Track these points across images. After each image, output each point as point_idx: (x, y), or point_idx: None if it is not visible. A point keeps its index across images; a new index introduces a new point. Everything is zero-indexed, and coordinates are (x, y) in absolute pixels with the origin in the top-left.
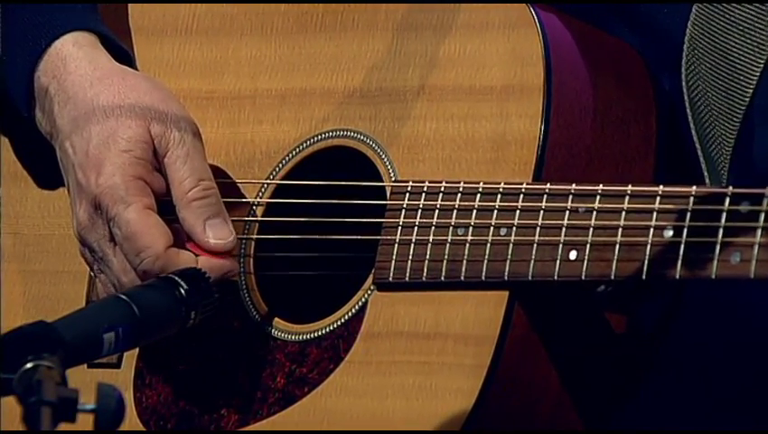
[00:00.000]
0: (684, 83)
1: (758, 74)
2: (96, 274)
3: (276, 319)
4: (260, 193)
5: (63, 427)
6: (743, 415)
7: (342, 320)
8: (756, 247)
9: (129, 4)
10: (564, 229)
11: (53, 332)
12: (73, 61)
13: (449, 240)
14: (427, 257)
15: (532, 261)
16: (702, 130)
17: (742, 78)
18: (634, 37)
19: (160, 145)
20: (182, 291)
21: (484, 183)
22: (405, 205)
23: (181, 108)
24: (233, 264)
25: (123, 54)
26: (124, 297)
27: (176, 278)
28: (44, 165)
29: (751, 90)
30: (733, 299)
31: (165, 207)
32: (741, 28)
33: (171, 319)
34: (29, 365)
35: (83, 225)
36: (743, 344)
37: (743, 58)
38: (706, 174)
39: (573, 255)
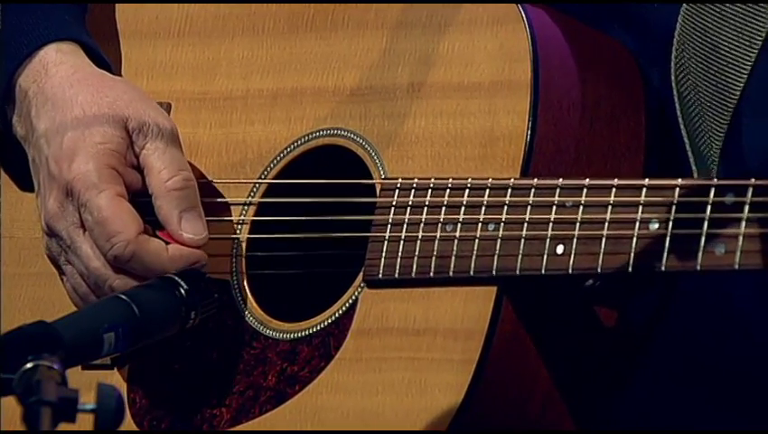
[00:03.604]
0: (673, 78)
1: (748, 69)
2: (62, 266)
3: (268, 318)
4: (252, 193)
5: (63, 427)
6: (733, 410)
7: (333, 318)
8: (741, 238)
9: (122, 8)
10: (551, 223)
11: (53, 332)
12: (54, 66)
13: (438, 237)
14: (416, 253)
15: (520, 256)
16: (691, 126)
17: (732, 72)
18: (624, 33)
19: (138, 138)
20: (182, 291)
21: (472, 179)
22: (394, 202)
23: (158, 108)
24: (201, 254)
25: (104, 65)
26: (124, 296)
27: (176, 278)
28: (21, 169)
29: (741, 85)
30: (723, 294)
31: (137, 205)
32: (732, 22)
33: (171, 319)
34: (29, 365)
35: (52, 213)
36: (733, 340)
37: (733, 52)
38: (694, 168)
39: (560, 249)
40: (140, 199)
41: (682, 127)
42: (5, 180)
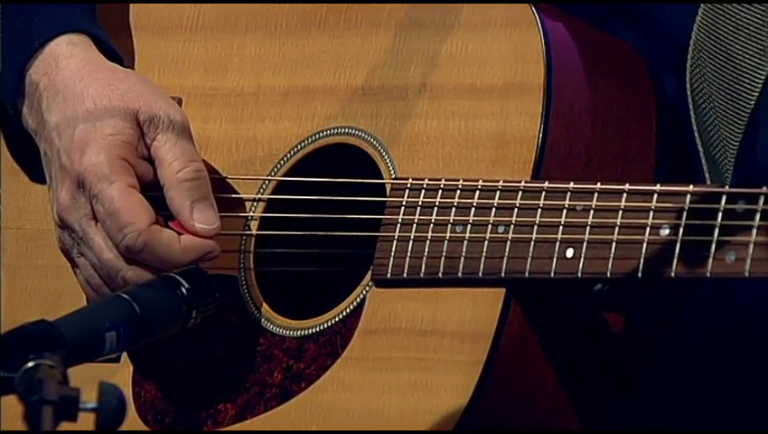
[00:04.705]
0: (688, 86)
1: (764, 77)
2: (75, 258)
3: (275, 315)
4: (261, 190)
5: (64, 426)
6: (740, 415)
7: (340, 316)
8: (752, 246)
9: (133, 3)
10: (561, 227)
11: (55, 331)
12: (65, 58)
13: (447, 238)
14: (425, 254)
15: (529, 259)
16: (705, 133)
17: (747, 81)
18: (638, 38)
19: (149, 129)
20: (184, 290)
21: (483, 181)
22: (404, 202)
23: (169, 101)
24: (214, 245)
25: (116, 58)
26: (125, 295)
27: (177, 277)
28: (33, 160)
29: (756, 94)
30: (732, 301)
31: (148, 197)
32: (747, 32)
33: (172, 318)
34: (30, 364)
35: (64, 205)
36: (741, 346)
37: (748, 61)
38: (707, 175)
39: (570, 253)
40: (151, 191)
41: (696, 134)
42: (14, 170)
